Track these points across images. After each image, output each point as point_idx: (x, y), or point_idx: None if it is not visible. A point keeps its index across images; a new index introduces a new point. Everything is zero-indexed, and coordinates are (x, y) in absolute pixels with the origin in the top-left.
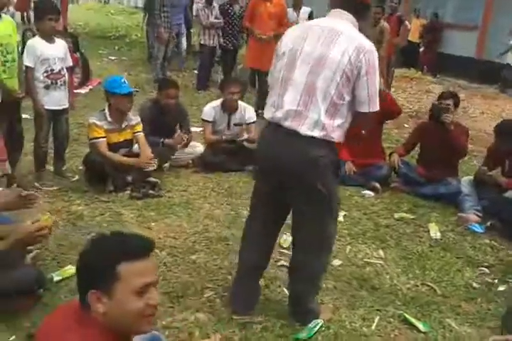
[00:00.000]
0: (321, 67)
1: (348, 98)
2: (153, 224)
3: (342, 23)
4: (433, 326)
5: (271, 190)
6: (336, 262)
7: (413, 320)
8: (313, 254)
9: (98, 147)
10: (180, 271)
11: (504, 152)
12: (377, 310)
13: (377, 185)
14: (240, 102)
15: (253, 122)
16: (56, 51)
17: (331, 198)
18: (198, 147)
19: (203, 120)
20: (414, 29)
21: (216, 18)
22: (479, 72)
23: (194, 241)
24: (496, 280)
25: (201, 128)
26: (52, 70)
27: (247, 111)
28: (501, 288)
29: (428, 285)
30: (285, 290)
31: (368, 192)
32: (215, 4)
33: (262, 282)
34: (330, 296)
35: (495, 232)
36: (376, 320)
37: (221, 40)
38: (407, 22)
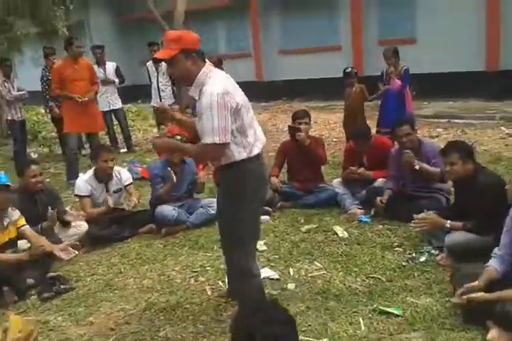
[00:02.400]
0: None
1: None
2: (91, 318)
3: None
4: (402, 307)
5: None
6: (291, 286)
7: (388, 309)
8: None
9: None
10: None
11: (361, 152)
12: (354, 312)
13: (269, 208)
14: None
15: (131, 183)
16: None
17: None
18: (82, 225)
19: (78, 196)
20: None
21: (19, 90)
22: (264, 92)
23: (150, 319)
24: (414, 254)
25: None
26: None
27: (122, 174)
28: (422, 259)
29: (372, 277)
30: None
31: (263, 218)
32: (13, 77)
33: None
34: (310, 317)
35: (379, 218)
36: (361, 320)
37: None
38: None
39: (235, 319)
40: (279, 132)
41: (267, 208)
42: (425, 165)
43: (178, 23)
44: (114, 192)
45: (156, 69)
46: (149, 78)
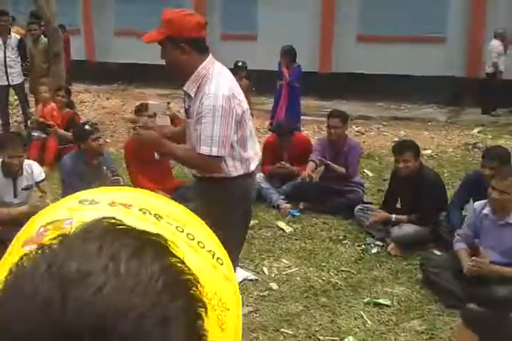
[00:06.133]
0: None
1: None
2: None
3: None
4: (386, 298)
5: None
6: (273, 285)
7: (379, 301)
8: None
9: None
10: None
11: (282, 146)
12: (351, 306)
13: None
14: None
15: (43, 179)
16: None
17: None
18: None
19: None
20: None
21: None
22: (99, 74)
23: None
24: (363, 246)
25: None
26: None
27: (34, 168)
28: (374, 251)
29: (342, 270)
30: None
31: None
32: None
33: None
34: (314, 315)
35: (307, 211)
36: (363, 314)
37: None
38: None
39: None
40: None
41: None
42: (333, 165)
43: None
44: (23, 189)
45: (4, 43)
46: None
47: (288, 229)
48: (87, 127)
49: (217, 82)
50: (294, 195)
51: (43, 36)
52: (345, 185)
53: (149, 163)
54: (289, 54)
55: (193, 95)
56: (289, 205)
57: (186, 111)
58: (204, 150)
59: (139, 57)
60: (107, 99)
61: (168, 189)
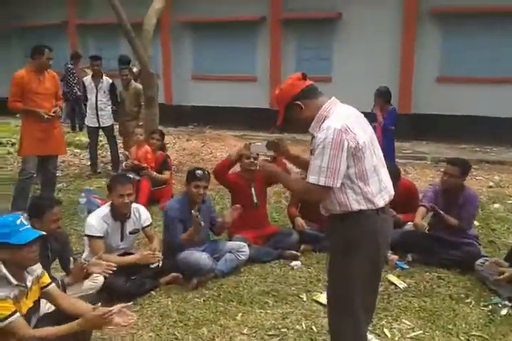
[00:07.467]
0: (376, 143)
1: None
2: None
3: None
4: None
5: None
6: None
7: None
8: None
9: (18, 329)
10: None
11: None
12: None
13: (296, 252)
14: None
15: (150, 224)
16: None
17: None
18: (99, 277)
19: (90, 236)
20: None
21: None
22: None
23: None
24: (490, 307)
25: None
26: None
27: (141, 212)
28: (503, 312)
29: (473, 335)
30: None
31: (295, 263)
32: None
33: None
34: None
35: (415, 263)
36: None
37: None
38: None
39: None
40: (218, 160)
41: (293, 252)
42: (444, 215)
43: (147, 34)
44: (130, 233)
45: (96, 87)
46: (85, 95)
47: (401, 285)
48: (197, 172)
49: (332, 119)
50: (401, 245)
51: (133, 81)
52: (460, 237)
53: (246, 207)
54: (384, 95)
55: (315, 134)
56: (396, 257)
57: (311, 151)
58: (312, 179)
59: (214, 100)
60: (187, 140)
61: (263, 235)
